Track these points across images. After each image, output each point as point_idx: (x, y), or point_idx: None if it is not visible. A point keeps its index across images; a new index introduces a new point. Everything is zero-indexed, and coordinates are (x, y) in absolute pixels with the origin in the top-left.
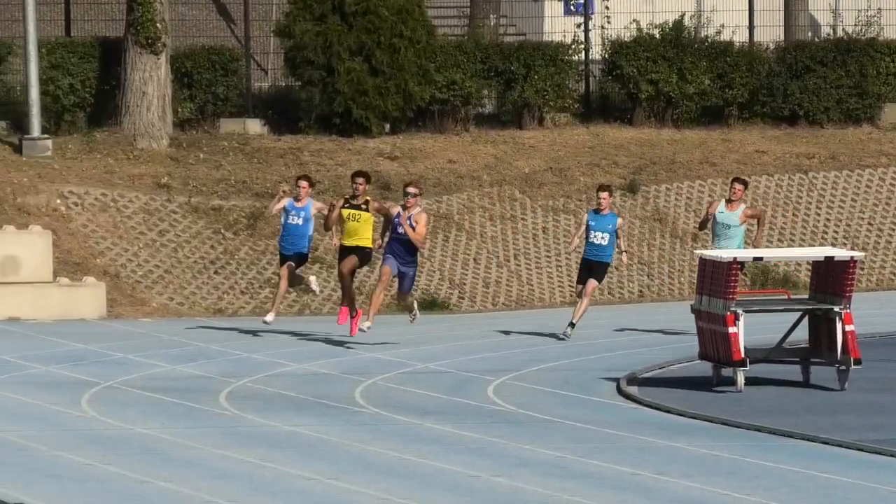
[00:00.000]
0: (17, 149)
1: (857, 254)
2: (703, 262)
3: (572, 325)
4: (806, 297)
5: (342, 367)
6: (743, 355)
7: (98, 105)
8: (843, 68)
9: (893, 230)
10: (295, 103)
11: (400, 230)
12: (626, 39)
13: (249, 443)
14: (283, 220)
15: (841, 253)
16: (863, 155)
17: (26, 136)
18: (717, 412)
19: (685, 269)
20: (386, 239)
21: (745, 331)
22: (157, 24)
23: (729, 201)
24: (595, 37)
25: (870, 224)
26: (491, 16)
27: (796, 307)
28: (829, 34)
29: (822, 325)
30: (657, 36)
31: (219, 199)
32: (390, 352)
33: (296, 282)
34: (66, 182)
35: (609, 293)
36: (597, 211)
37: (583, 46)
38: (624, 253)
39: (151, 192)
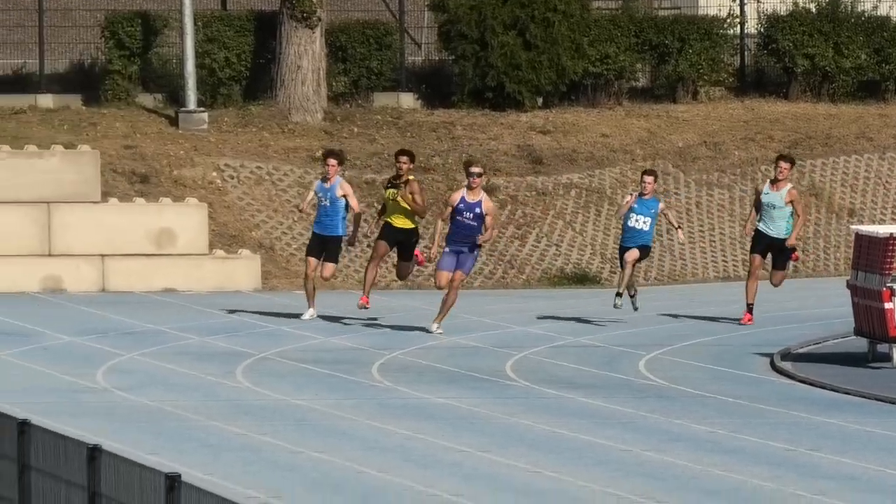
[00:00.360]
0: (174, 121)
1: None
2: (860, 237)
3: (619, 294)
4: None
5: (493, 341)
6: None
7: (253, 78)
8: None
9: None
10: (448, 77)
11: (467, 215)
12: (781, 13)
13: (401, 414)
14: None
15: None
16: None
17: (182, 109)
18: (872, 388)
19: (841, 245)
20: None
21: None
22: (313, 1)
23: (774, 181)
24: (751, 10)
25: None
26: None
27: None
28: None
29: None
30: (813, 10)
31: (372, 172)
32: (540, 325)
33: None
34: (222, 155)
35: (764, 268)
36: (641, 195)
37: (738, 20)
38: (678, 230)
39: (306, 165)
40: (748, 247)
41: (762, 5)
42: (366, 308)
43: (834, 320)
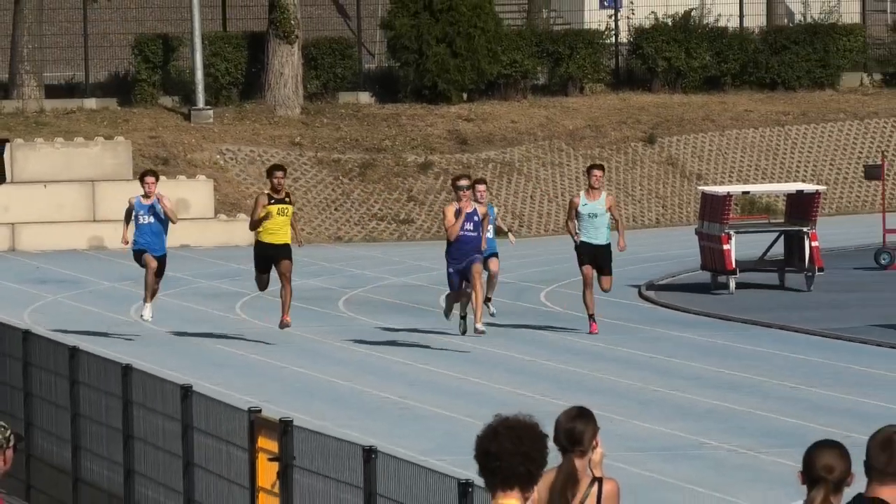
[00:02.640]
0: (187, 117)
1: (821, 188)
2: (705, 195)
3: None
4: (782, 221)
5: (432, 281)
6: (734, 266)
7: (247, 83)
8: (810, 46)
9: (849, 169)
10: (395, 79)
11: (467, 226)
12: (646, 26)
13: (361, 338)
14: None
15: (808, 187)
16: (826, 112)
17: (193, 108)
18: (714, 309)
19: (691, 202)
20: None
21: (736, 247)
22: (292, 21)
23: (589, 189)
24: (623, 24)
25: (831, 165)
26: (543, 10)
27: (775, 229)
28: (800, 20)
29: (794, 242)
30: (670, 24)
31: (338, 153)
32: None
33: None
34: (224, 142)
35: (633, 220)
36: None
37: (613, 32)
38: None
39: (287, 148)
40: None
41: (631, 20)
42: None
43: (685, 259)
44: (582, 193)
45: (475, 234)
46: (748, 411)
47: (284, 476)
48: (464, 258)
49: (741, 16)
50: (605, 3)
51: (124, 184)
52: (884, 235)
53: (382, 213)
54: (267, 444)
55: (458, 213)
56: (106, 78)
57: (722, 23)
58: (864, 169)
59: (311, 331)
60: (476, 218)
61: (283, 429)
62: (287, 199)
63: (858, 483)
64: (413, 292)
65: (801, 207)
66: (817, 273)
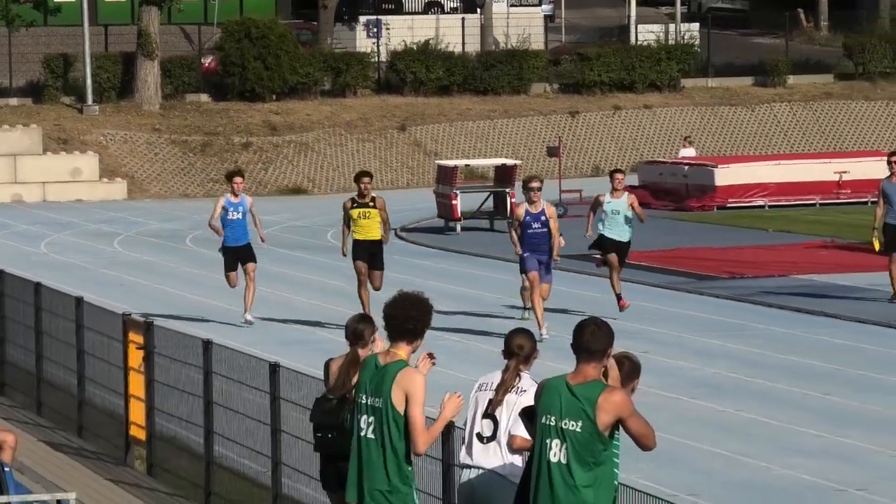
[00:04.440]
0: (80, 111)
1: (518, 161)
2: (440, 167)
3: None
4: (492, 184)
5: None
6: (459, 215)
7: (122, 87)
8: (510, 64)
9: (537, 149)
10: (225, 85)
11: (535, 226)
12: (399, 50)
13: (203, 263)
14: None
15: (509, 161)
16: (521, 110)
17: (85, 104)
18: (446, 245)
19: (430, 171)
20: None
21: (461, 202)
22: (153, 44)
23: (613, 191)
24: (383, 49)
25: (525, 146)
26: (328, 37)
27: (486, 189)
28: (503, 46)
29: (500, 199)
30: (415, 48)
31: (185, 136)
32: (282, 215)
33: None
34: (105, 128)
35: (391, 184)
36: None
37: (376, 53)
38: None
39: (150, 133)
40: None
41: (389, 45)
42: None
43: (427, 210)
44: (607, 194)
45: (543, 230)
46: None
47: (148, 360)
48: (538, 253)
49: (463, 43)
50: (370, 35)
51: (37, 157)
52: (560, 194)
53: (217, 177)
54: (136, 338)
55: (526, 212)
56: (24, 84)
57: (450, 48)
58: (546, 149)
59: (167, 259)
60: (543, 217)
61: (147, 327)
62: (371, 204)
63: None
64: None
65: (505, 175)
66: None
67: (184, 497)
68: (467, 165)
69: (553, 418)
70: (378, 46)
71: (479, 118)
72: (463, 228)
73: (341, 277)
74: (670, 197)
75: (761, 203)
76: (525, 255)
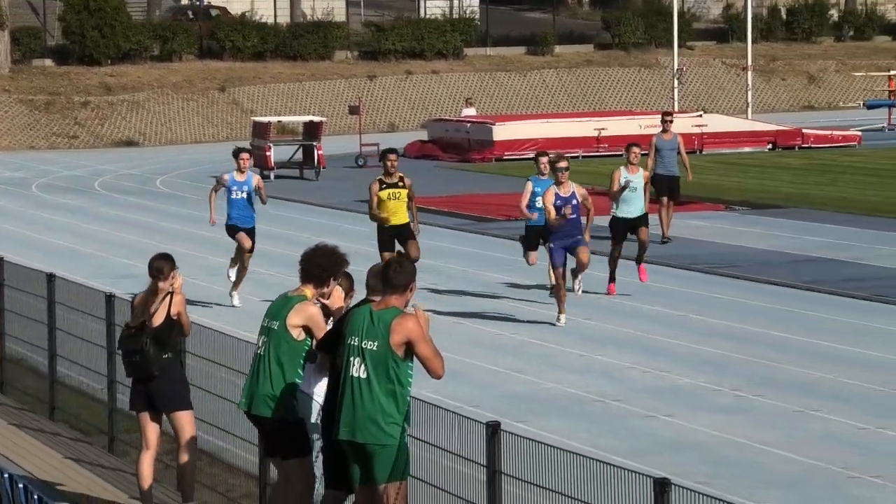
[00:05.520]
0: None
1: (323, 119)
2: (255, 123)
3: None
4: (301, 138)
5: (88, 172)
6: (272, 165)
7: None
8: (316, 34)
9: (341, 107)
10: (69, 51)
11: (564, 212)
12: (220, 20)
13: (45, 206)
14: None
15: (316, 118)
16: (327, 74)
17: None
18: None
19: (247, 126)
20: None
21: (274, 154)
22: (4, 16)
23: (629, 164)
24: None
25: (330, 106)
26: (156, 10)
27: (297, 143)
28: (311, 17)
29: (308, 151)
30: (237, 17)
31: (32, 95)
32: (128, 165)
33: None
34: None
35: (213, 137)
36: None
37: (199, 23)
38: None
39: (0, 94)
40: None
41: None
42: None
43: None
44: (622, 168)
45: (574, 215)
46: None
47: None
48: (567, 238)
49: (275, 15)
50: (196, 2)
51: None
52: (360, 147)
53: (59, 131)
54: None
55: (556, 196)
56: None
57: (264, 19)
58: (348, 108)
59: (16, 204)
60: (574, 201)
61: (48, 278)
62: (400, 184)
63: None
64: (76, 180)
65: (312, 131)
66: (322, 169)
67: (31, 411)
68: (279, 122)
69: (356, 339)
70: (198, 17)
71: (290, 81)
72: (276, 177)
73: (169, 219)
74: (455, 150)
75: (532, 155)
76: (552, 245)
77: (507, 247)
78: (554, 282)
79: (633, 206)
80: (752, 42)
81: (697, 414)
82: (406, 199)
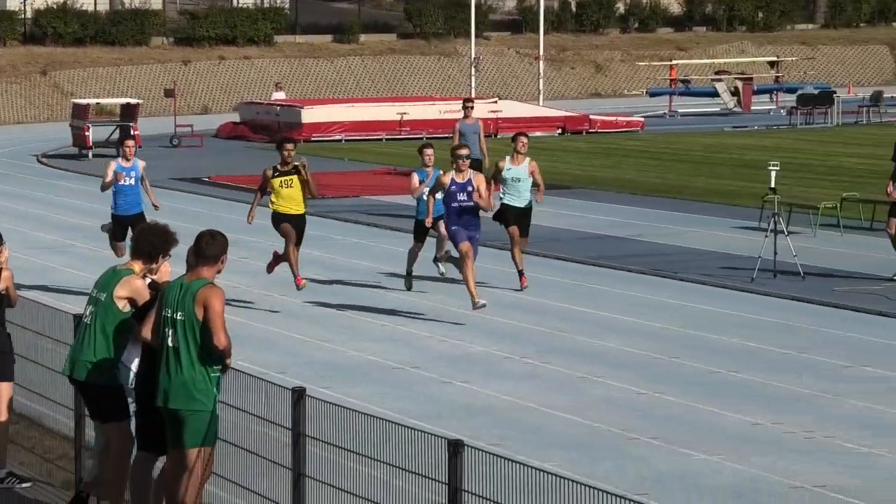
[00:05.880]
0: None
1: (140, 101)
2: (75, 104)
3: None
4: (118, 119)
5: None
6: (91, 144)
7: None
8: (134, 21)
9: (157, 93)
10: None
11: (461, 197)
12: (42, 8)
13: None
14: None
15: (132, 100)
16: (142, 59)
17: None
18: (82, 169)
19: (67, 108)
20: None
21: (93, 133)
22: None
23: (515, 154)
24: (28, 7)
25: (147, 91)
26: None
27: (114, 123)
28: (129, 6)
29: (125, 132)
30: (55, 7)
31: None
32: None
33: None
34: None
35: (31, 118)
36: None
37: (23, 11)
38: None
39: None
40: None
41: (34, 4)
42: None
43: (65, 139)
44: (507, 158)
45: (470, 202)
46: None
47: None
48: (461, 224)
49: (95, 3)
50: None
51: None
52: (175, 128)
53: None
54: None
55: (453, 183)
56: None
57: (84, 7)
58: (164, 91)
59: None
60: (470, 188)
61: None
62: (293, 171)
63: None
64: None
65: (129, 112)
66: (138, 149)
67: None
68: (98, 104)
69: (170, 311)
70: (24, 5)
71: (108, 65)
72: (94, 155)
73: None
74: (265, 131)
75: (339, 137)
76: (453, 228)
77: (315, 223)
78: (444, 255)
79: (520, 196)
80: (544, 33)
81: (490, 380)
82: (301, 187)
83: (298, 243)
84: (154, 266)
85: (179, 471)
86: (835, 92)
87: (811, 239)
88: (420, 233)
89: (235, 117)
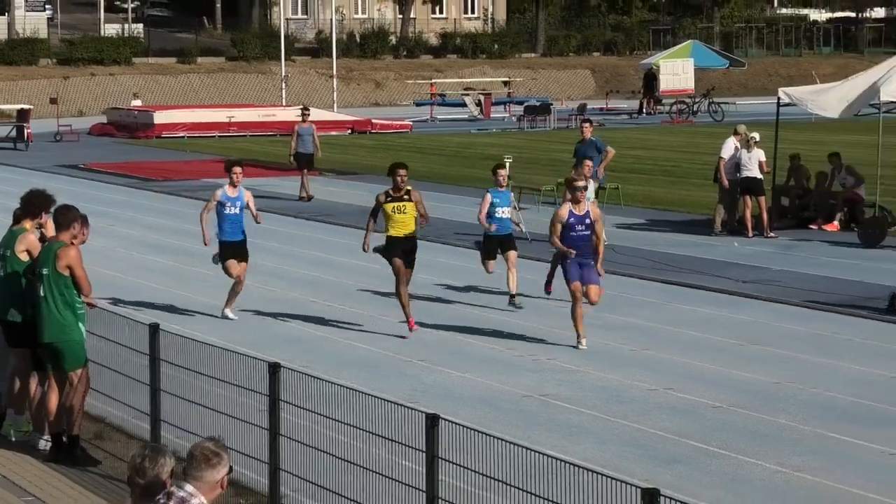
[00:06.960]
0: None
1: (31, 106)
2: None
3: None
4: (15, 120)
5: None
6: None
7: None
8: (26, 48)
9: (45, 100)
10: None
11: (580, 228)
12: None
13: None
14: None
15: (25, 106)
16: (33, 76)
17: None
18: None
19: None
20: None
21: None
22: None
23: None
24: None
25: (37, 98)
26: None
27: (13, 125)
28: (23, 35)
29: (20, 130)
30: None
31: None
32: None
33: None
34: None
35: None
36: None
37: None
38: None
39: None
40: None
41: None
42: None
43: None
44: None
45: (587, 232)
46: None
47: None
48: (580, 258)
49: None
50: None
51: None
52: (58, 127)
53: None
54: None
55: (570, 214)
56: None
57: None
58: (49, 99)
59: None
60: (588, 220)
61: None
62: (406, 198)
63: None
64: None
65: (23, 115)
66: (30, 143)
67: None
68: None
69: (41, 267)
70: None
71: (7, 80)
72: None
73: None
74: (127, 130)
75: (182, 135)
76: (567, 261)
77: (168, 200)
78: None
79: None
80: (336, 58)
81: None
82: (413, 213)
83: (410, 267)
84: (41, 221)
85: (64, 389)
86: (552, 104)
87: (536, 213)
88: (490, 251)
89: (104, 119)
